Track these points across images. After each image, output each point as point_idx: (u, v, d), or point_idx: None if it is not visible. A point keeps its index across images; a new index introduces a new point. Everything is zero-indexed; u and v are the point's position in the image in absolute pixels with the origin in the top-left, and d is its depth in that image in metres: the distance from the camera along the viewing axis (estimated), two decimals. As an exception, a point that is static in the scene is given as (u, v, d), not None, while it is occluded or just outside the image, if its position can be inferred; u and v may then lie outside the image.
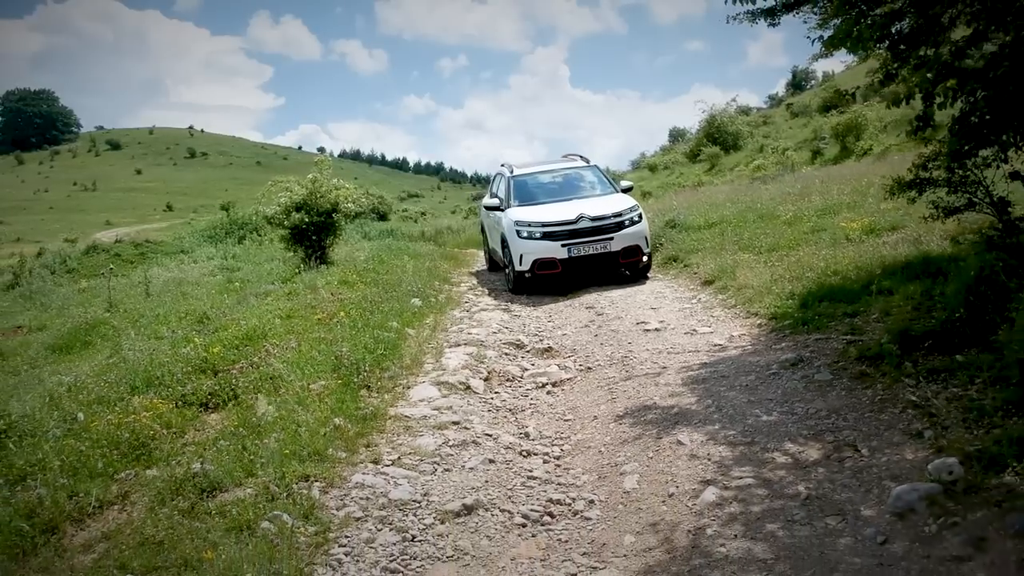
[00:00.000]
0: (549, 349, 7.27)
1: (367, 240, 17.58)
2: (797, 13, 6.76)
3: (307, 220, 11.45)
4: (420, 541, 3.79)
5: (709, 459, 4.35)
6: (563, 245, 9.72)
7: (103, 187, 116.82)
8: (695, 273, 9.61)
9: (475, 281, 11.58)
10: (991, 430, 3.99)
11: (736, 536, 3.54)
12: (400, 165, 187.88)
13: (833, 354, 5.66)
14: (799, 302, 7.05)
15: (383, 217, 42.91)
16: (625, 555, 3.61)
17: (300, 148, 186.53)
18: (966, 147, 5.70)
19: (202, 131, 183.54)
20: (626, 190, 11.01)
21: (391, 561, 3.60)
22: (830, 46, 6.51)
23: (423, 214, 65.95)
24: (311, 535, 3.75)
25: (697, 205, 14.12)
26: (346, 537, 3.78)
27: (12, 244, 59.54)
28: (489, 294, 10.34)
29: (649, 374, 6.10)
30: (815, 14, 6.86)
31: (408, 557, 3.64)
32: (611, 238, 9.75)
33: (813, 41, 6.91)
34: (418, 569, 3.55)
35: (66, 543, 3.89)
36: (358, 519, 3.96)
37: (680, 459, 4.43)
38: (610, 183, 11.26)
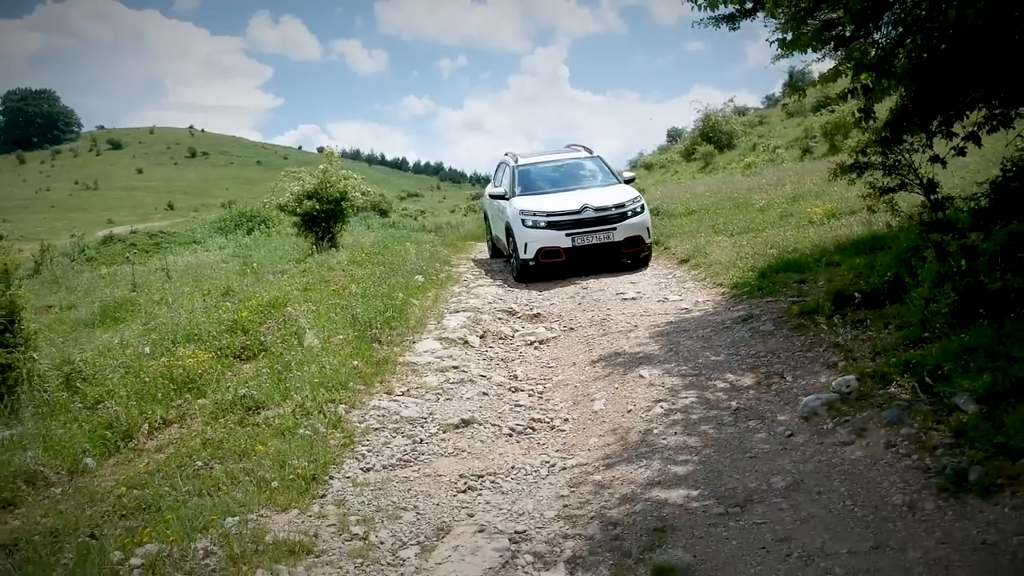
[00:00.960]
0: (538, 315, 8.21)
1: (371, 231, 18.50)
2: (754, 19, 7.70)
3: (318, 207, 12.39)
4: (426, 443, 4.73)
5: (663, 386, 5.30)
6: (567, 234, 9.97)
7: (104, 186, 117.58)
8: (673, 254, 10.55)
9: (473, 265, 12.48)
10: (889, 359, 4.93)
11: (676, 433, 4.48)
12: (399, 165, 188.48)
13: (779, 312, 6.61)
14: (758, 274, 7.99)
15: (384, 214, 43.78)
16: (589, 450, 4.55)
17: (300, 148, 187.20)
18: (891, 135, 6.63)
19: (202, 131, 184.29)
20: (628, 181, 11.27)
21: (404, 456, 4.54)
22: (783, 47, 7.45)
23: (422, 212, 66.74)
24: (339, 439, 4.68)
25: (680, 196, 15.08)
26: (367, 440, 4.72)
27: (16, 242, 60.33)
28: (486, 274, 11.25)
29: (622, 331, 7.04)
30: (775, 19, 7.80)
31: (417, 453, 4.58)
32: (614, 228, 9.99)
33: (771, 43, 7.86)
34: (425, 460, 4.49)
35: (141, 446, 4.82)
36: (376, 429, 4.89)
37: (640, 387, 5.37)
38: (612, 174, 11.53)
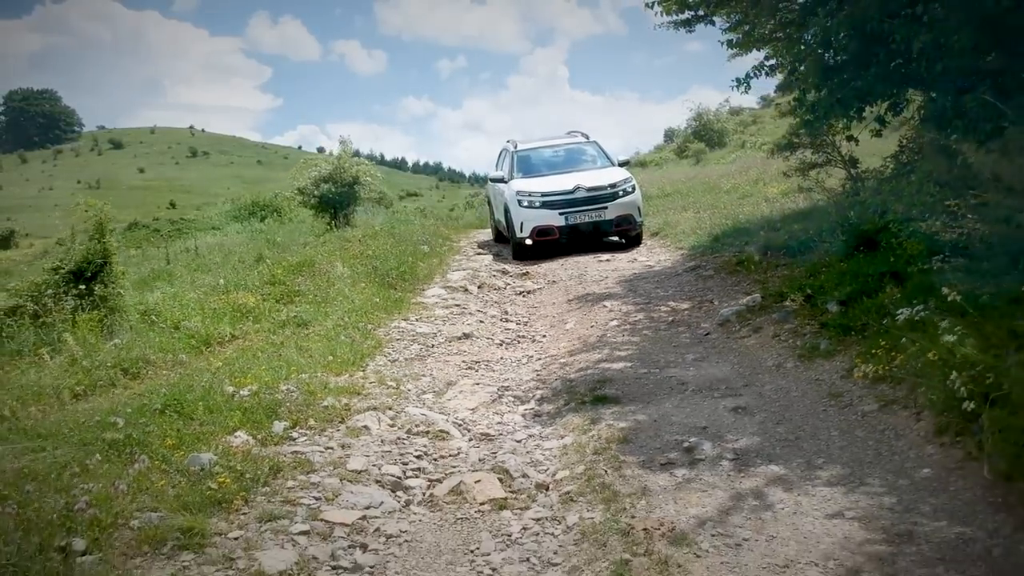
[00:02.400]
0: (526, 273, 9.69)
1: (378, 216, 19.96)
2: (708, 24, 9.19)
3: (333, 190, 13.88)
4: (437, 348, 6.22)
5: (619, 311, 6.80)
6: (560, 213, 10.35)
7: (106, 185, 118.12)
8: (647, 227, 12.01)
9: (474, 243, 13.93)
10: (790, 285, 6.42)
11: (623, 335, 5.99)
12: (399, 165, 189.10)
13: (721, 263, 8.11)
14: (713, 238, 9.49)
15: (386, 209, 45.19)
16: (559, 349, 6.06)
17: (300, 148, 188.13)
18: (813, 118, 8.13)
19: (203, 131, 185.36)
20: (622, 164, 11.62)
21: (420, 354, 6.03)
22: (731, 47, 8.95)
23: (422, 210, 68.15)
24: (371, 344, 6.17)
25: (659, 182, 16.58)
26: (392, 345, 6.22)
27: (25, 239, 61.60)
28: (483, 248, 12.71)
29: (595, 281, 8.54)
30: (715, 25, 9.28)
31: (430, 352, 6.08)
32: (605, 207, 10.36)
33: (722, 44, 9.34)
34: (436, 356, 5.99)
35: (218, 351, 6.31)
36: (397, 339, 6.39)
37: (602, 313, 6.87)
38: (608, 157, 11.86)
